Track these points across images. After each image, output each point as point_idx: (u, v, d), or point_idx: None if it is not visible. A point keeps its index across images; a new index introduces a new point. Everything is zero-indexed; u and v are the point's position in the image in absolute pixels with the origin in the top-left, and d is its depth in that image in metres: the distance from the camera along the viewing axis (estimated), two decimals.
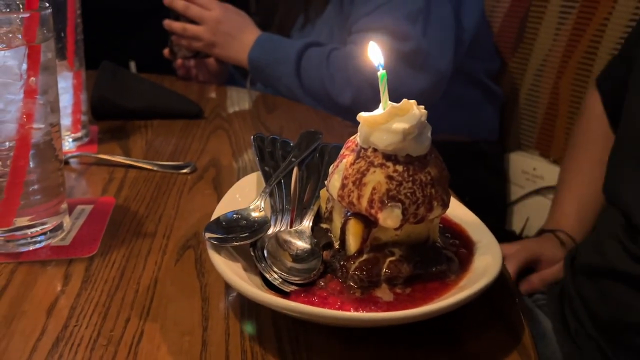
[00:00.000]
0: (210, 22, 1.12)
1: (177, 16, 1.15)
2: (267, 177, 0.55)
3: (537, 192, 1.25)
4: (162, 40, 1.23)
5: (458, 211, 0.52)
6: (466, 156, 1.24)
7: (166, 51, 1.24)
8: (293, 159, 0.57)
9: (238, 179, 0.59)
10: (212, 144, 0.82)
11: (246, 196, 0.54)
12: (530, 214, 1.25)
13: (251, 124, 0.94)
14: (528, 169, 1.27)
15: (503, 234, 1.24)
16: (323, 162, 0.58)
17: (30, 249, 0.52)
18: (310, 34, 1.23)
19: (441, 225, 0.49)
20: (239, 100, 1.13)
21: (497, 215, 1.29)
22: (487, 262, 0.44)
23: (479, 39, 1.19)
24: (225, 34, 1.13)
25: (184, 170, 0.71)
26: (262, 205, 0.51)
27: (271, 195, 0.53)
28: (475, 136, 1.28)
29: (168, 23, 1.17)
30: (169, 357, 0.39)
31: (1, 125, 0.48)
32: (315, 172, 0.56)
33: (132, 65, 1.33)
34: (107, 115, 0.88)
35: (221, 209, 0.50)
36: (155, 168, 0.71)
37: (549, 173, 1.22)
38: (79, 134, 0.78)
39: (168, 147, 0.80)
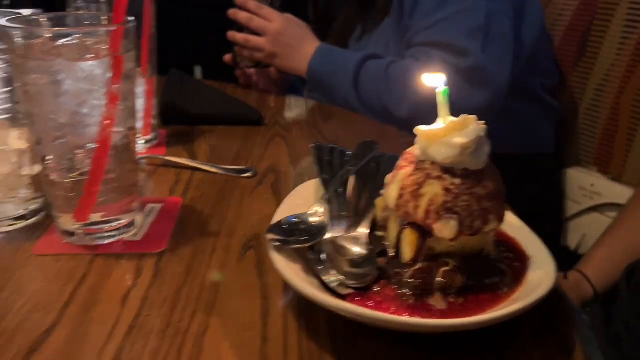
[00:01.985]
0: (272, 34, 1.16)
1: (241, 28, 1.20)
2: (325, 184, 0.57)
3: (594, 208, 1.22)
4: (226, 49, 1.28)
5: (513, 225, 0.53)
6: (521, 170, 1.23)
7: (227, 57, 1.28)
8: (350, 168, 0.59)
9: (296, 185, 0.61)
10: (271, 150, 0.86)
11: (305, 202, 0.56)
12: (586, 231, 1.22)
13: (308, 132, 0.97)
14: (585, 185, 1.24)
15: (558, 250, 1.21)
16: (379, 172, 0.59)
17: (106, 242, 0.56)
18: (367, 45, 1.25)
19: (495, 238, 0.50)
20: (297, 108, 1.16)
21: (552, 230, 1.26)
22: (540, 276, 0.45)
23: (538, 53, 1.18)
24: (286, 45, 1.16)
25: (246, 175, 0.74)
26: (320, 211, 0.54)
27: (329, 202, 0.55)
28: (531, 150, 1.26)
29: (232, 35, 1.21)
30: (231, 350, 0.42)
31: (86, 129, 0.53)
32: (372, 182, 0.58)
33: (198, 70, 1.38)
34: (174, 120, 0.92)
35: (281, 213, 0.53)
36: (219, 171, 0.75)
37: (607, 190, 1.19)
38: (149, 137, 0.83)
39: (230, 152, 0.84)
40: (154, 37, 0.79)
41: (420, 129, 0.45)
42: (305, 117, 1.09)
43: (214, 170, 0.75)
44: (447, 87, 0.45)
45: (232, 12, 1.19)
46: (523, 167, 1.24)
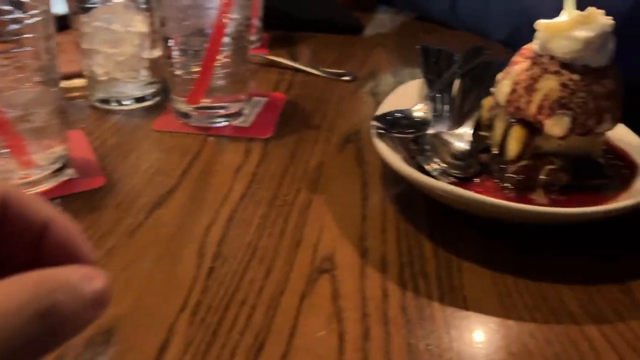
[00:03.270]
0: None
1: None
2: (430, 83, 0.57)
3: None
4: None
5: (626, 137, 0.51)
6: None
7: None
8: (457, 70, 0.59)
9: None
10: (371, 58, 0.86)
11: (408, 99, 0.57)
12: None
13: (409, 43, 0.95)
14: None
15: None
16: (487, 76, 0.58)
17: (218, 125, 0.60)
18: None
19: (605, 146, 0.49)
20: (396, 21, 1.13)
21: None
22: None
23: None
24: None
25: (345, 78, 0.75)
26: (424, 108, 0.54)
27: (433, 100, 0.55)
28: None
29: None
30: (333, 222, 0.45)
31: (206, 12, 0.56)
32: (478, 85, 0.57)
33: None
34: (277, 24, 0.94)
35: (385, 108, 0.54)
36: (319, 74, 0.76)
37: None
38: (253, 38, 0.85)
39: (330, 58, 0.85)
40: None
41: (543, 22, 0.43)
42: (405, 29, 1.07)
43: (314, 72, 0.77)
44: None
45: None
46: None
